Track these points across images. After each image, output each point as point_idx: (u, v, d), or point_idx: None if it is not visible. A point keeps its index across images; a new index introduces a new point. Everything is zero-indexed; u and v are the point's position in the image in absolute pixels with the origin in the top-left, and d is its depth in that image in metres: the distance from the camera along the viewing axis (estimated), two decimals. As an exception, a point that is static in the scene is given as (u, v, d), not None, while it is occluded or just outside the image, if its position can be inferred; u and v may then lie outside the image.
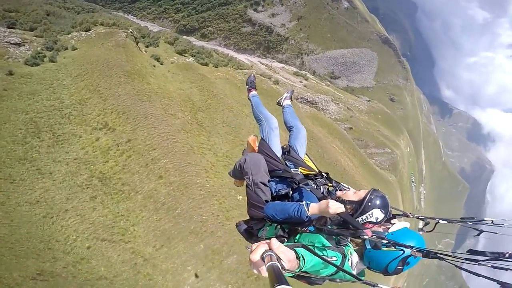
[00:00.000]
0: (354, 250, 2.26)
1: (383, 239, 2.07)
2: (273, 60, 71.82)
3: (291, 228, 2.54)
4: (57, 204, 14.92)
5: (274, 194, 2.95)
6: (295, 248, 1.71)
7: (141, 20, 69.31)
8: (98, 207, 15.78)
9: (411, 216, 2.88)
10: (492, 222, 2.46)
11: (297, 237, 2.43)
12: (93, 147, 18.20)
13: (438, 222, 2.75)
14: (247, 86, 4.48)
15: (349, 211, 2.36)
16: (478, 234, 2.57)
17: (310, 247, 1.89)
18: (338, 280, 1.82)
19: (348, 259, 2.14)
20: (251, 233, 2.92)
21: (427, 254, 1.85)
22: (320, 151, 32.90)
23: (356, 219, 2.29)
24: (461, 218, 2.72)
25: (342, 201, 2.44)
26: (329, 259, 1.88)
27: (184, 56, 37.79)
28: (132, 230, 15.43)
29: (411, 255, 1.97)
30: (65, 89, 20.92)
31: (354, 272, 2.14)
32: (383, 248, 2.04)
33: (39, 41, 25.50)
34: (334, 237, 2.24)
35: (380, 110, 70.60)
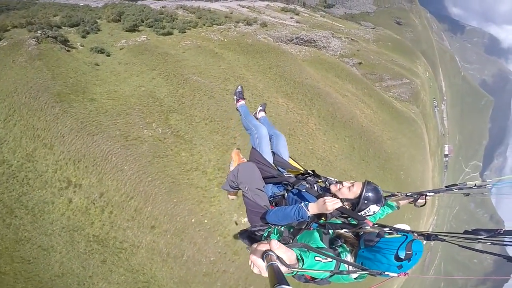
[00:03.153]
0: (349, 251, 2.18)
1: (385, 227, 2.11)
2: (255, 0, 60.12)
3: (295, 228, 2.52)
4: (80, 273, 13.79)
5: (272, 198, 3.08)
6: (294, 248, 1.68)
7: None
8: (113, 268, 13.96)
9: (400, 195, 2.96)
10: (475, 185, 2.63)
11: (297, 237, 2.42)
12: (71, 211, 14.19)
13: (425, 195, 2.87)
14: (235, 97, 4.63)
15: (348, 208, 2.45)
16: (466, 195, 2.76)
17: (302, 242, 1.99)
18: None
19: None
20: (254, 239, 2.90)
21: (428, 237, 1.94)
22: (331, 110, 26.33)
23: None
24: (446, 187, 2.80)
25: (339, 199, 2.49)
26: (329, 258, 1.87)
27: (138, 31, 29.56)
28: (153, 282, 13.88)
29: (414, 239, 1.92)
30: (3, 145, 15.27)
31: (352, 276, 1.99)
32: (386, 236, 1.99)
33: None
34: (329, 237, 2.24)
35: (389, 36, 60.03)
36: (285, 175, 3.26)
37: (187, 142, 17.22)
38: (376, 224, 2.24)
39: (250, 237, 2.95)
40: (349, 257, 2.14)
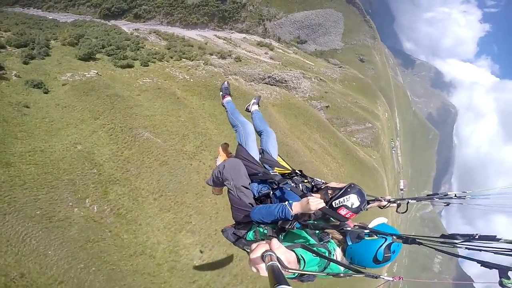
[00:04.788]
0: (337, 245, 2.18)
1: (365, 228, 2.07)
2: (232, 31, 57.51)
3: (278, 227, 2.45)
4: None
5: (257, 196, 2.93)
6: (294, 249, 1.65)
7: (48, 11, 49.96)
8: None
9: (383, 200, 2.91)
10: (455, 196, 2.70)
11: (282, 236, 2.40)
12: None
13: (408, 202, 2.89)
14: (221, 93, 4.19)
15: (329, 195, 2.45)
16: (447, 204, 2.83)
17: (300, 242, 2.00)
18: (325, 274, 1.86)
19: (333, 255, 2.10)
20: (238, 237, 2.81)
21: (406, 240, 1.90)
22: (300, 166, 24.46)
23: (333, 202, 2.33)
24: (427, 195, 2.86)
25: (326, 187, 2.57)
26: (328, 256, 1.88)
27: (94, 60, 25.23)
28: None
29: (393, 241, 1.95)
30: None
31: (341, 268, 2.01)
32: (366, 238, 1.99)
33: None
34: (317, 233, 2.26)
35: (353, 76, 61.67)
36: (271, 173, 3.08)
37: (130, 223, 13.55)
38: (356, 225, 2.20)
39: (235, 234, 2.82)
40: (338, 251, 2.16)
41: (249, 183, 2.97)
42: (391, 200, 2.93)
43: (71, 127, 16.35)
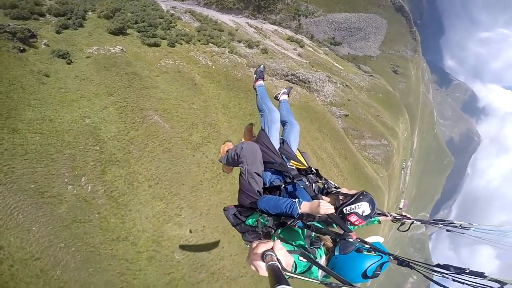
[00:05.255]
0: (324, 253, 2.18)
1: (366, 243, 2.08)
2: (265, 22, 55.17)
3: (280, 221, 2.43)
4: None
5: (268, 185, 2.86)
6: (292, 255, 1.67)
7: None
8: None
9: (389, 216, 2.97)
10: (460, 226, 2.74)
11: (279, 231, 2.39)
12: None
13: (412, 223, 2.93)
14: (255, 75, 4.04)
15: (340, 201, 2.38)
16: (448, 230, 2.88)
17: (300, 250, 1.95)
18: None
19: (318, 261, 2.08)
20: (238, 219, 2.78)
21: (401, 262, 1.97)
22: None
23: (344, 208, 2.29)
24: (433, 220, 2.93)
25: (337, 192, 2.49)
26: (318, 263, 1.87)
27: (124, 35, 24.91)
28: None
29: (387, 261, 1.95)
30: None
31: (319, 274, 2.05)
32: (364, 252, 1.99)
33: None
34: (312, 237, 2.26)
35: (382, 87, 58.02)
36: (288, 166, 2.96)
37: (120, 206, 13.52)
38: (358, 238, 2.15)
39: (236, 216, 2.79)
40: (323, 259, 2.14)
41: (262, 171, 2.90)
42: (397, 217, 2.93)
43: (84, 100, 16.28)
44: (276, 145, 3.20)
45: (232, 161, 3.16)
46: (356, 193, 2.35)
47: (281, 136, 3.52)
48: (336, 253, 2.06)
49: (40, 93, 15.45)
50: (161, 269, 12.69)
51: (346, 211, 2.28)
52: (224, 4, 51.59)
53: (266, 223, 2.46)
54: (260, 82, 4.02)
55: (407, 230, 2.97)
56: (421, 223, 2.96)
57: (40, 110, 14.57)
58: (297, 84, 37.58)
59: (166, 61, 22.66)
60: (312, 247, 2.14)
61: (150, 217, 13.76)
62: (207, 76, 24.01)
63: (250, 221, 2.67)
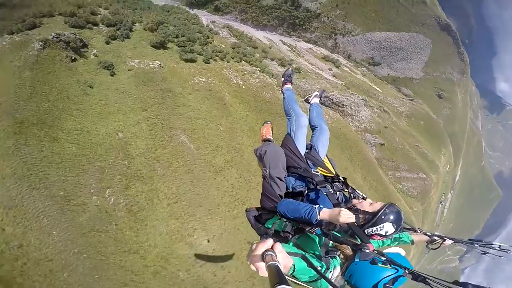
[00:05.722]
0: (340, 263, 2.14)
1: (382, 255, 2.02)
2: (299, 40, 55.18)
3: (299, 227, 2.41)
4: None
5: (290, 190, 2.85)
6: (292, 257, 1.65)
7: None
8: None
9: (419, 232, 2.90)
10: (499, 248, 2.63)
11: (296, 237, 2.37)
12: None
13: (444, 240, 2.84)
14: (283, 79, 4.05)
15: (361, 220, 2.26)
16: (484, 253, 2.78)
17: (302, 253, 1.90)
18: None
19: (330, 272, 2.05)
20: (259, 221, 2.80)
21: (416, 276, 1.84)
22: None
23: (366, 230, 2.19)
24: (469, 240, 2.78)
25: (356, 210, 2.35)
26: (321, 272, 1.81)
27: (165, 49, 26.40)
28: None
29: (402, 275, 1.89)
30: None
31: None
32: (379, 264, 1.93)
33: None
34: (328, 246, 2.19)
35: (424, 114, 54.07)
36: (313, 172, 2.91)
37: (137, 220, 13.76)
38: (376, 250, 2.09)
39: (256, 218, 2.82)
40: (337, 269, 2.09)
41: (285, 176, 2.87)
42: (427, 233, 2.87)
43: (120, 114, 17.17)
44: (302, 150, 3.15)
45: (258, 159, 3.14)
46: (378, 212, 2.18)
47: (310, 141, 3.43)
48: (356, 259, 2.04)
49: (83, 103, 16.64)
50: (164, 285, 12.65)
51: (368, 233, 2.19)
52: (259, 20, 52.75)
53: (285, 227, 2.45)
54: (288, 85, 3.97)
55: (436, 248, 2.87)
56: (454, 241, 2.83)
57: (80, 120, 15.64)
58: (330, 108, 36.49)
59: (200, 78, 23.34)
60: (326, 256, 2.10)
61: (164, 234, 13.86)
62: (237, 96, 24.22)
63: (269, 223, 2.69)
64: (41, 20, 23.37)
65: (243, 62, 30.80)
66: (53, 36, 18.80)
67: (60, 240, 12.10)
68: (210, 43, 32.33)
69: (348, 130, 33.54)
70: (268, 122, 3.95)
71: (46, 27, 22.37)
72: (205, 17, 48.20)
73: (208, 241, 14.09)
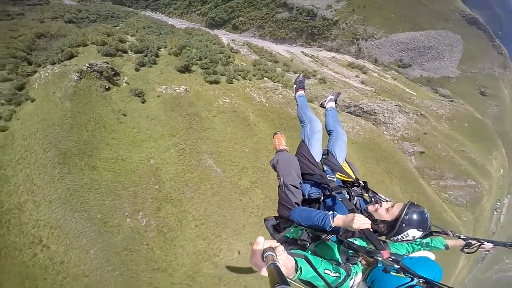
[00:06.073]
0: (362, 269, 2.09)
1: (397, 263, 1.93)
2: (321, 49, 54.71)
3: (315, 234, 2.39)
4: None
5: (307, 197, 2.81)
6: (296, 258, 1.64)
7: (169, 17, 58.84)
8: None
9: (451, 235, 2.68)
10: None
11: (314, 244, 2.35)
12: (32, 263, 12.89)
13: (481, 243, 2.60)
14: (295, 86, 4.04)
15: (383, 230, 2.18)
16: None
17: (317, 259, 1.92)
18: None
19: (351, 278, 1.99)
20: (277, 230, 2.80)
21: (431, 286, 1.75)
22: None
23: (392, 238, 2.14)
24: None
25: (375, 220, 2.23)
26: (324, 276, 1.82)
27: (189, 72, 27.75)
28: None
29: (416, 284, 1.79)
30: (6, 184, 14.78)
31: None
32: (391, 273, 1.88)
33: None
34: (349, 253, 2.13)
35: (468, 114, 49.34)
36: (328, 178, 2.81)
37: (167, 241, 14.14)
38: (391, 257, 1.94)
39: (274, 226, 2.82)
40: (359, 276, 2.04)
41: (300, 183, 2.84)
42: (461, 237, 2.61)
43: (151, 141, 18.07)
44: (317, 156, 3.11)
45: (273, 169, 3.14)
46: (397, 220, 2.05)
47: (326, 146, 3.38)
48: (380, 264, 1.99)
49: (118, 132, 17.86)
50: (187, 303, 12.61)
51: (394, 241, 2.13)
52: (277, 34, 53.46)
53: (301, 235, 2.41)
54: (301, 92, 3.95)
55: (473, 252, 2.67)
56: (493, 244, 2.54)
57: (115, 149, 16.73)
58: (361, 117, 34.88)
59: (224, 100, 23.92)
60: (347, 263, 2.04)
61: (191, 253, 14.04)
62: (261, 115, 24.27)
63: (287, 232, 2.68)
64: (77, 50, 25.24)
65: (265, 78, 31.13)
66: (87, 66, 20.53)
67: (96, 258, 12.94)
68: (232, 62, 33.35)
69: (382, 140, 31.62)
70: (278, 133, 3.90)
71: (82, 57, 24.58)
72: (225, 36, 50.30)
73: (239, 253, 14.26)
